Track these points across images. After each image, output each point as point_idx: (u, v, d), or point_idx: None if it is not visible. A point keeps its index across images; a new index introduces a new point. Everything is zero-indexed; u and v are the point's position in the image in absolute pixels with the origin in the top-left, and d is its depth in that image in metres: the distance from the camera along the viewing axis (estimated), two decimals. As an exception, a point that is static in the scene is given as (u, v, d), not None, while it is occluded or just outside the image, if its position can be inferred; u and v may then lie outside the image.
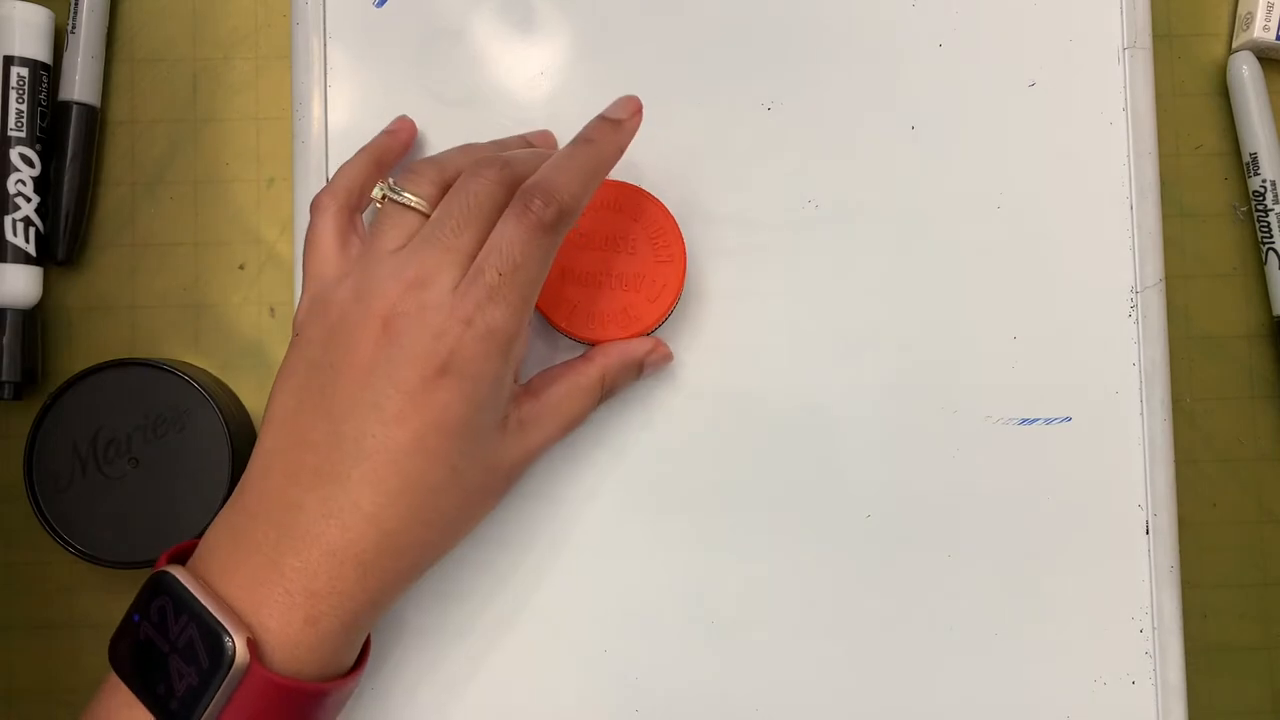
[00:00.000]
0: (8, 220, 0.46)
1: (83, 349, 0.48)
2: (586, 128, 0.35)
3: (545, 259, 0.33)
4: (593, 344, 0.38)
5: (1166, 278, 0.39)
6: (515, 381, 0.35)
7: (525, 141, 0.38)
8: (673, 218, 0.37)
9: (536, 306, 0.37)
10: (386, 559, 0.32)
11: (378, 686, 0.38)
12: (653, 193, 0.37)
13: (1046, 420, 0.38)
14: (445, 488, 0.32)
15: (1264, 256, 0.48)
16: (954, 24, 0.39)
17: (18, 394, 0.46)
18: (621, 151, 0.35)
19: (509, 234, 0.32)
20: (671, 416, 0.39)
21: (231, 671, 0.30)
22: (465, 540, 0.38)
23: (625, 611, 0.38)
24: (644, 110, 0.36)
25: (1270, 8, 0.47)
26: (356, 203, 0.36)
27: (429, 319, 0.32)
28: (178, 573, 0.32)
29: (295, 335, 0.34)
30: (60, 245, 0.47)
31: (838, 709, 0.38)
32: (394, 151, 0.38)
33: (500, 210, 0.33)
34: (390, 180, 0.35)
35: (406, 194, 0.34)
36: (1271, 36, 0.47)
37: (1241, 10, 0.48)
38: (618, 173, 0.38)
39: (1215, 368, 0.48)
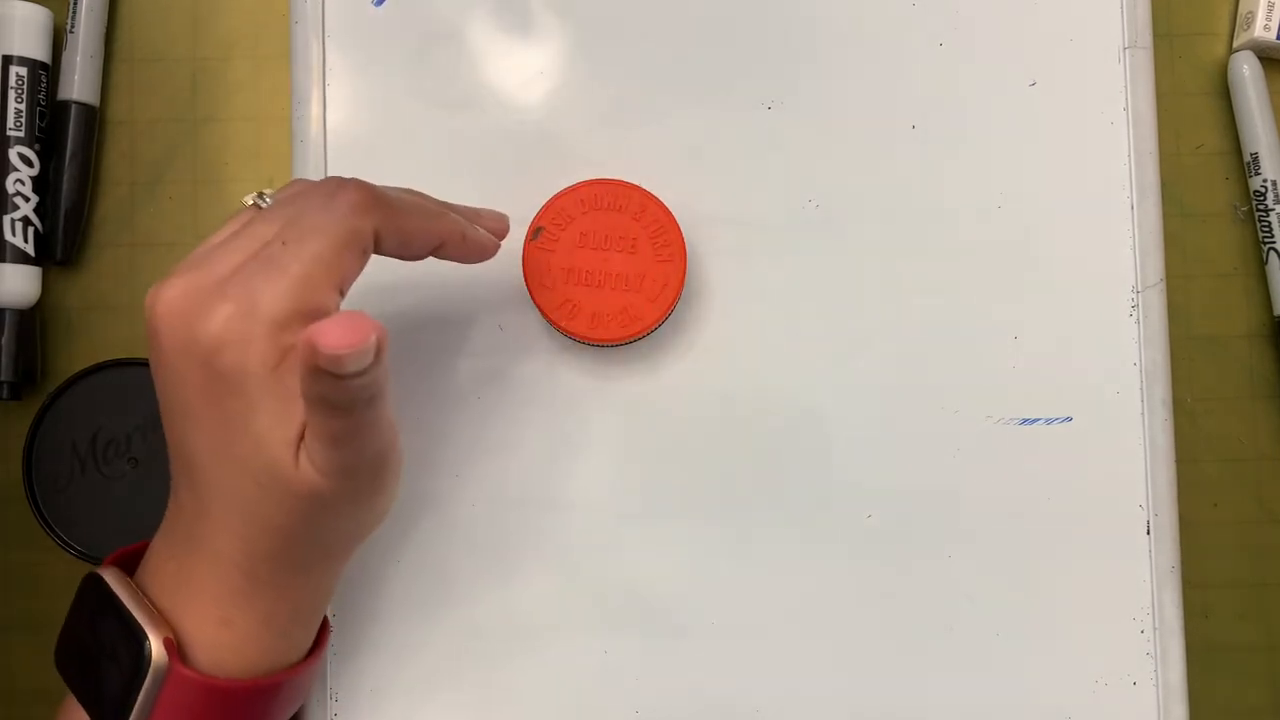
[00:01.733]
0: (6, 220, 0.46)
1: (82, 349, 0.47)
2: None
3: (338, 239, 0.29)
4: (595, 344, 0.37)
5: (1167, 277, 0.39)
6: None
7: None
8: (673, 217, 0.37)
9: (537, 306, 0.37)
10: (261, 561, 0.30)
11: (377, 690, 0.38)
12: (653, 193, 0.37)
13: (1047, 420, 0.38)
14: (260, 500, 0.29)
15: (1265, 256, 0.48)
16: (954, 23, 0.39)
17: (16, 394, 0.46)
18: (443, 237, 0.33)
19: (302, 200, 0.31)
20: (671, 416, 0.38)
21: (152, 673, 0.29)
22: (463, 544, 0.38)
23: (625, 612, 0.38)
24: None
25: (1271, 7, 0.47)
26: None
27: (203, 310, 0.29)
28: (106, 573, 0.31)
29: None
30: (59, 245, 0.47)
31: (838, 709, 0.38)
32: None
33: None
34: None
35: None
36: (1272, 36, 0.47)
37: (1242, 10, 0.48)
38: (618, 171, 0.37)
39: (1216, 367, 0.48)
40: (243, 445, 0.29)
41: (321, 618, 0.34)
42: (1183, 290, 0.48)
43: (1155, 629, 0.38)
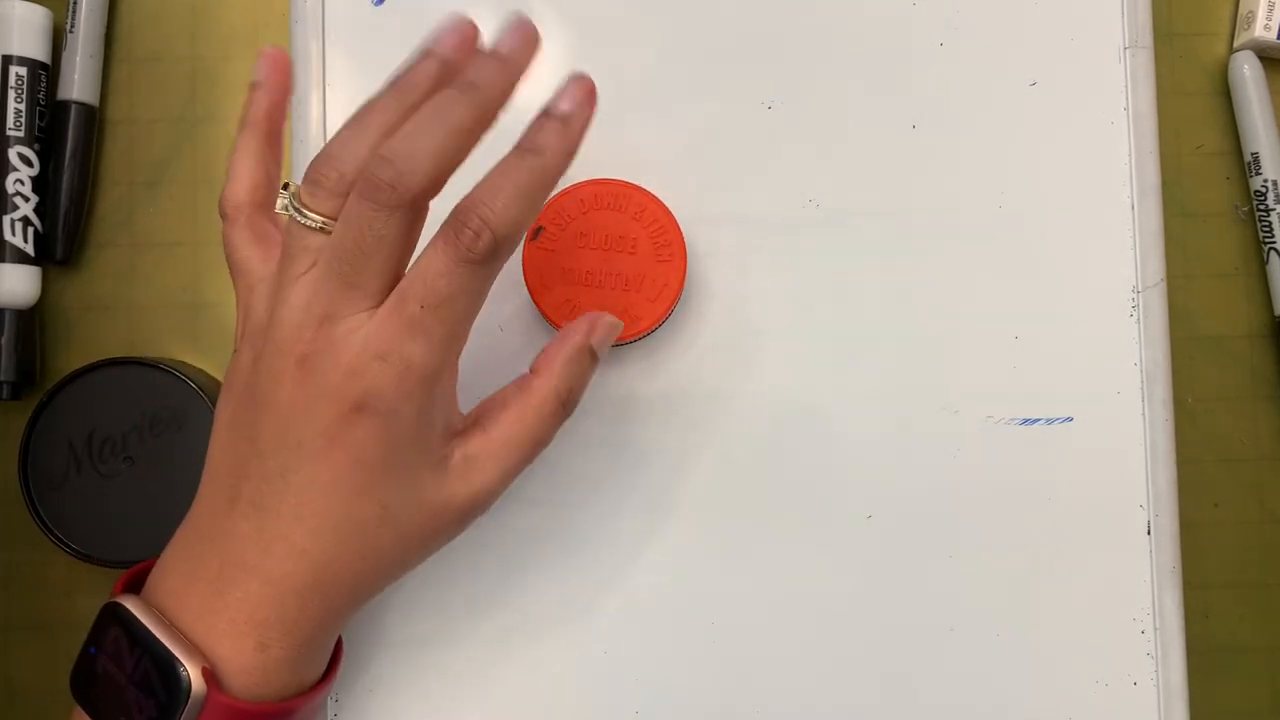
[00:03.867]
0: (6, 220, 0.46)
1: (81, 349, 0.47)
2: (530, 130, 0.31)
3: (478, 291, 0.31)
4: None
5: (1168, 277, 0.39)
6: (456, 416, 0.33)
7: (442, 64, 0.32)
8: (673, 216, 0.37)
9: (537, 306, 0.37)
10: (324, 589, 0.31)
11: (377, 691, 0.38)
12: (653, 193, 0.37)
13: (1048, 420, 0.38)
14: (375, 524, 0.31)
15: (1265, 256, 0.48)
16: (955, 23, 0.39)
17: (16, 394, 0.46)
18: (571, 156, 0.31)
19: (436, 265, 0.30)
20: (671, 416, 0.38)
21: (190, 702, 0.29)
22: (464, 543, 0.38)
23: (624, 612, 0.38)
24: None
25: (1271, 7, 0.47)
26: (263, 198, 0.34)
27: (341, 355, 0.30)
28: (129, 603, 0.31)
29: (235, 351, 0.33)
30: (59, 245, 0.47)
31: (838, 709, 0.38)
32: (275, 112, 0.35)
33: (402, 234, 0.30)
34: (291, 192, 0.32)
35: (309, 214, 0.31)
36: (1273, 36, 0.47)
37: (1243, 9, 0.48)
38: (618, 171, 0.37)
39: (1217, 367, 0.48)
40: (378, 477, 0.31)
41: (337, 639, 0.35)
42: (1183, 290, 0.48)
43: (1156, 629, 0.38)
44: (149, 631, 0.30)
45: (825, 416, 0.38)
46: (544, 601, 0.38)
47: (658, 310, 0.37)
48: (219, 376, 0.47)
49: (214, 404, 0.43)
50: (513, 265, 0.37)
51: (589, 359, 0.33)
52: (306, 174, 0.31)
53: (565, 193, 0.37)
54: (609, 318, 0.34)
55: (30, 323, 0.46)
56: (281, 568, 0.31)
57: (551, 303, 0.37)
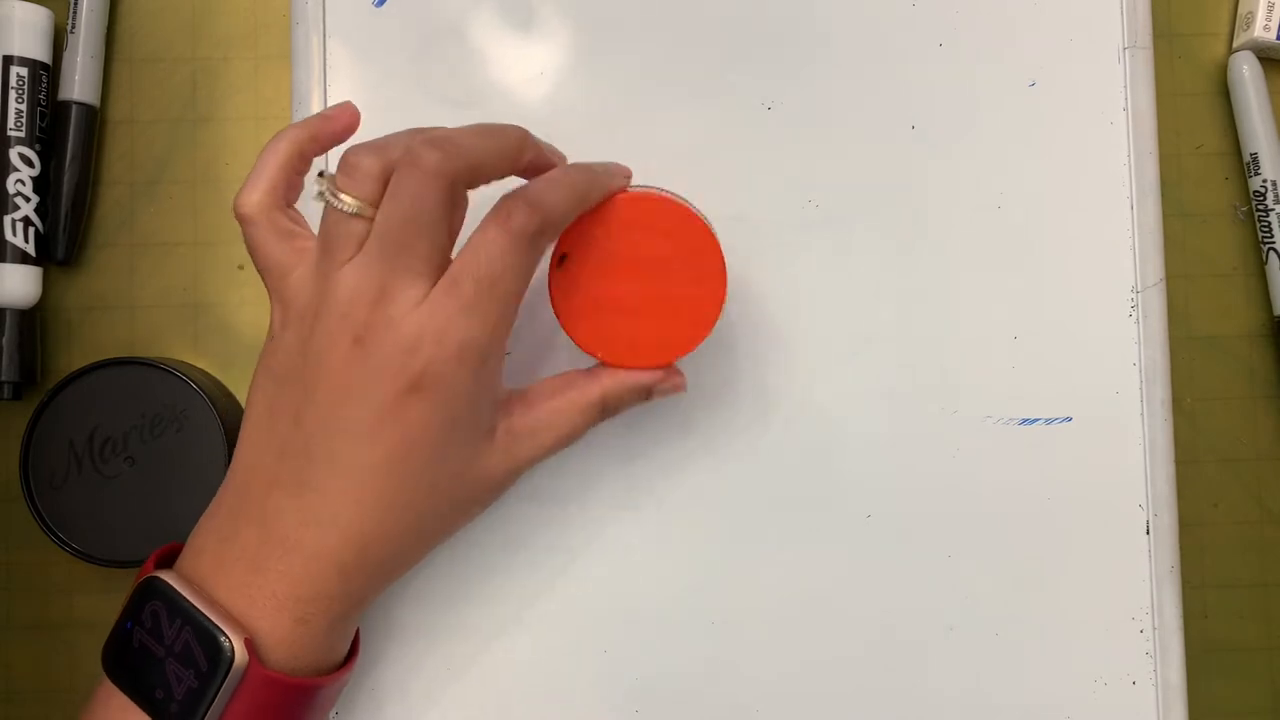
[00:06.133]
0: (7, 220, 0.46)
1: (82, 349, 0.48)
2: (583, 162, 0.34)
3: (525, 271, 0.32)
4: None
5: (1167, 278, 0.39)
6: (501, 390, 0.34)
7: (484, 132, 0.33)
8: (709, 229, 0.35)
9: (570, 336, 0.35)
10: (367, 564, 0.32)
11: (378, 688, 0.38)
12: (687, 203, 0.35)
13: (1047, 420, 0.38)
14: (423, 502, 0.32)
15: (1264, 256, 0.48)
16: (954, 23, 0.39)
17: (17, 394, 0.46)
18: (609, 194, 0.34)
19: (486, 243, 0.31)
20: (670, 416, 0.38)
21: (232, 672, 0.30)
22: (464, 543, 0.38)
23: (625, 611, 0.38)
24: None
25: (1271, 7, 0.47)
26: (281, 198, 0.34)
27: (398, 334, 0.31)
28: (169, 577, 0.32)
29: (270, 338, 0.33)
30: (59, 245, 0.47)
31: (837, 709, 0.38)
32: (324, 139, 0.35)
33: (445, 208, 0.31)
34: (328, 177, 0.32)
35: (345, 198, 0.31)
36: (1272, 36, 0.47)
37: (1242, 10, 0.48)
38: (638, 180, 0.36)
39: (1216, 367, 0.48)
40: (428, 455, 0.32)
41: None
42: (1183, 290, 0.48)
43: (1155, 629, 0.38)
44: (190, 603, 0.31)
45: (825, 416, 0.39)
46: (545, 601, 0.38)
47: (697, 335, 0.35)
48: (219, 376, 0.47)
49: (214, 403, 0.43)
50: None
51: (643, 397, 0.35)
52: (343, 159, 0.32)
53: (590, 214, 0.34)
54: (680, 378, 0.35)
55: (31, 323, 0.47)
56: (325, 543, 0.31)
57: (584, 331, 0.34)
